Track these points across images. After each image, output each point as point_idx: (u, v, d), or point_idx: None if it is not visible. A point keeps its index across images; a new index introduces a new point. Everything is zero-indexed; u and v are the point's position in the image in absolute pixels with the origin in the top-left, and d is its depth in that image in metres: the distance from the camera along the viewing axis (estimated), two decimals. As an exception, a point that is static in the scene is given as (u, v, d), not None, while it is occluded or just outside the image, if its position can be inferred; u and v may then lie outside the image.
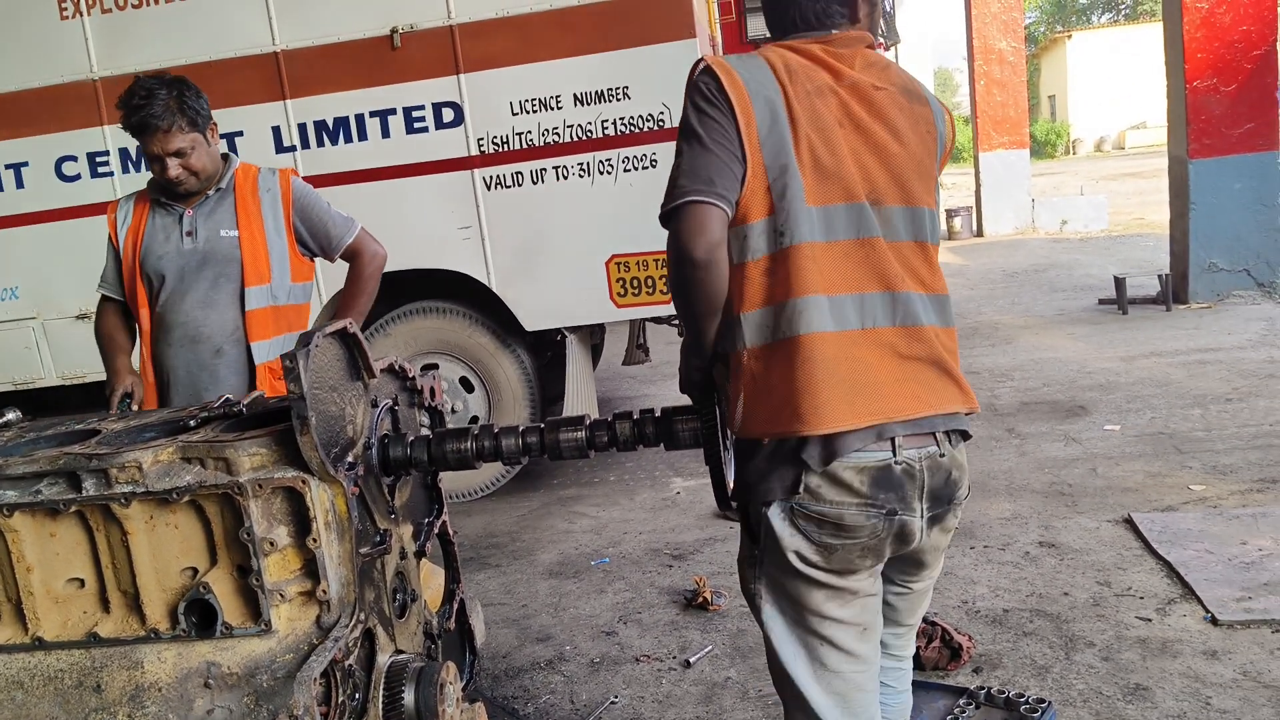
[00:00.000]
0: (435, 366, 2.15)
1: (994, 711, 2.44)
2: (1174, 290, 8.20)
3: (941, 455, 1.61)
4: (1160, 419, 5.19)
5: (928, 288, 1.64)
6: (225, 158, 2.85)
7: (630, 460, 5.58)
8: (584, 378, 5.03)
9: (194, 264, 2.75)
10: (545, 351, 5.32)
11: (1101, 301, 8.71)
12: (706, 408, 1.78)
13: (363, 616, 1.63)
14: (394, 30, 4.68)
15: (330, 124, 4.81)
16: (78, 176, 5.01)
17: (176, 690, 1.58)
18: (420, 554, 1.99)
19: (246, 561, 1.58)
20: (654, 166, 4.60)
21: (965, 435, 1.68)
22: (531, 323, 4.89)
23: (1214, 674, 2.77)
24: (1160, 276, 8.25)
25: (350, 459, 1.68)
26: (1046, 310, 8.82)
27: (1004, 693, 2.45)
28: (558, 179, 4.71)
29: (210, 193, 2.79)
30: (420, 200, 4.81)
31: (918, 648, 2.77)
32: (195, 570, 1.63)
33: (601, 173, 4.66)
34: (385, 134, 4.79)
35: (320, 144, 4.84)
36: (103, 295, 2.93)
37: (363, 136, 4.80)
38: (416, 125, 4.77)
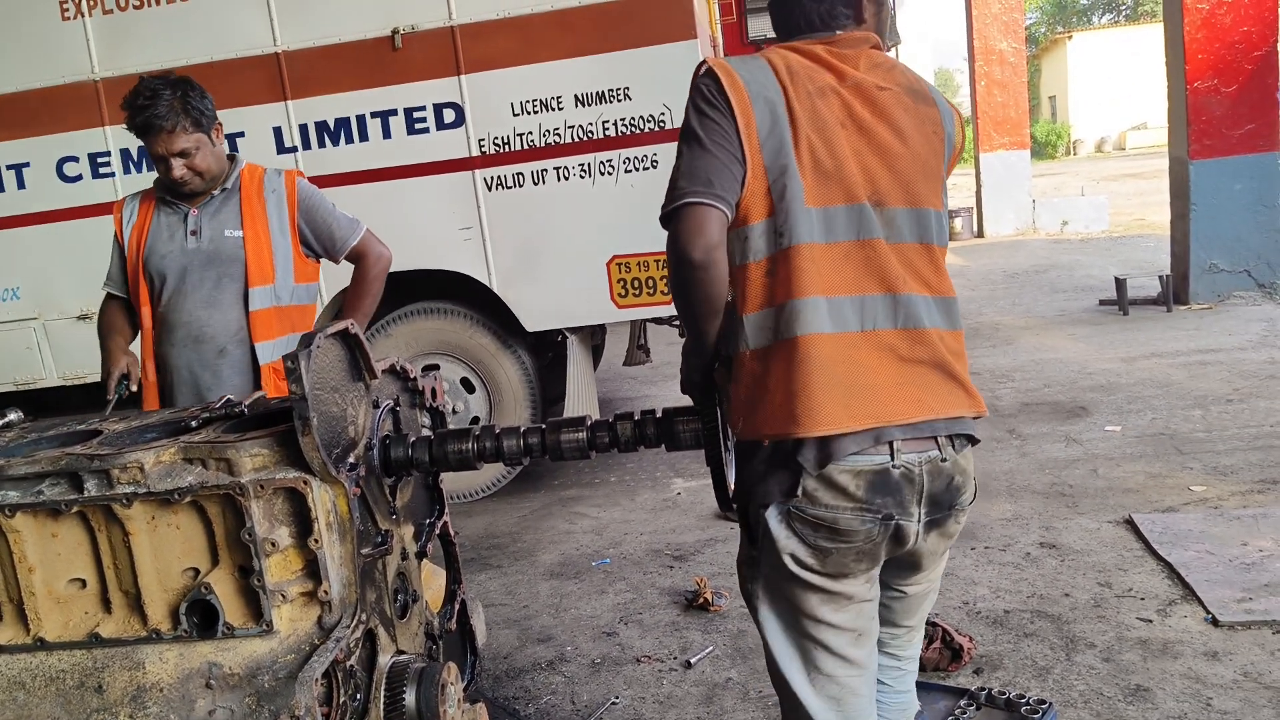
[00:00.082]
0: (436, 367, 2.15)
1: (995, 712, 2.44)
2: (1175, 291, 8.20)
3: (943, 460, 1.60)
4: (1161, 420, 5.19)
5: (933, 290, 1.63)
6: (232, 158, 2.86)
7: (631, 461, 5.58)
8: (585, 378, 5.04)
9: (198, 263, 2.75)
10: (546, 352, 5.32)
11: (1102, 302, 8.71)
12: (708, 409, 1.77)
13: (364, 617, 1.63)
14: (395, 31, 4.68)
15: (331, 125, 4.82)
16: (79, 177, 5.01)
17: (178, 691, 1.58)
18: (421, 555, 2.00)
19: (248, 562, 1.58)
20: (655, 167, 4.60)
21: (972, 440, 1.66)
22: (532, 323, 4.90)
23: (1215, 675, 2.77)
24: (1161, 277, 8.25)
25: (352, 460, 1.68)
26: (1047, 311, 8.82)
27: (1005, 694, 2.46)
28: (559, 180, 4.71)
29: (216, 192, 2.79)
30: (421, 201, 4.81)
31: (918, 649, 2.77)
32: (197, 571, 1.64)
33: (602, 173, 4.66)
34: (386, 135, 4.79)
35: (321, 145, 4.84)
36: (107, 293, 2.93)
37: (364, 137, 4.81)
38: (417, 126, 4.77)
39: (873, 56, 1.67)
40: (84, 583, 1.68)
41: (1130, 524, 3.86)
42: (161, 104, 2.60)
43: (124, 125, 2.70)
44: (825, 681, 1.66)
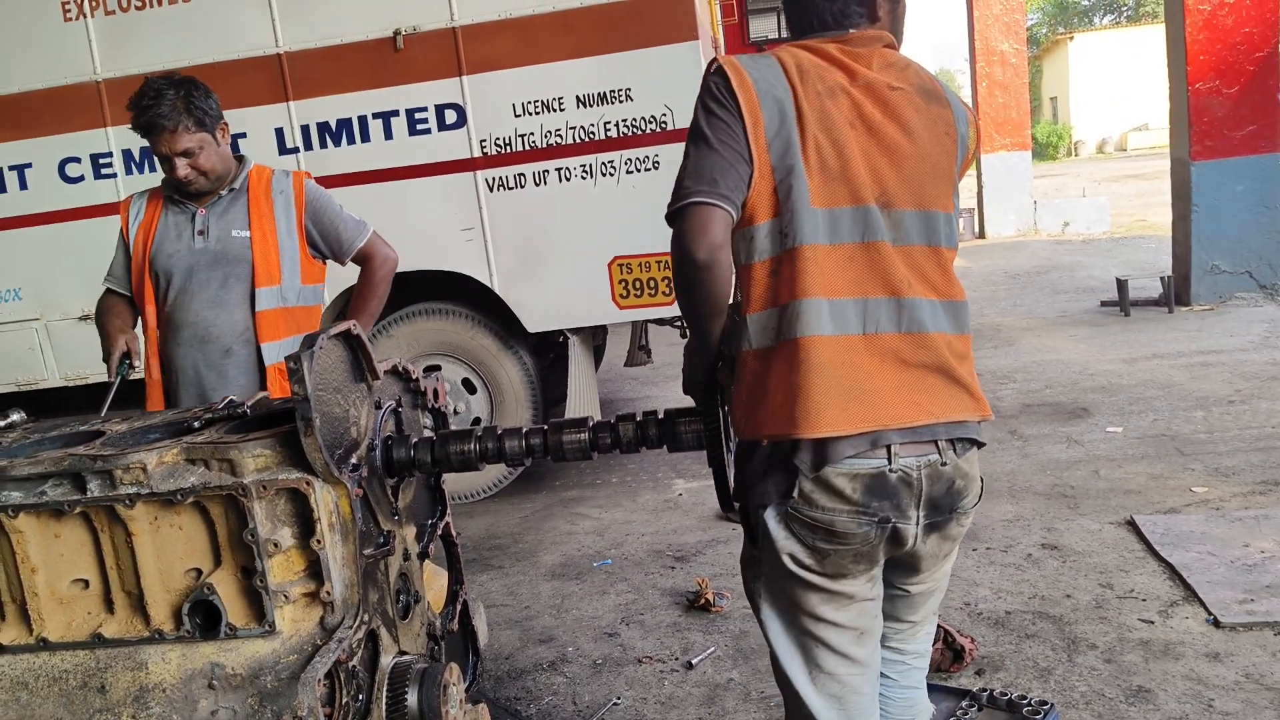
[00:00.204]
0: (438, 368, 2.15)
1: (996, 713, 2.44)
2: (1176, 292, 8.19)
3: (943, 464, 1.59)
4: (1162, 421, 5.19)
5: (940, 293, 1.62)
6: (240, 159, 2.86)
7: (633, 462, 5.59)
8: (586, 379, 5.04)
9: (204, 263, 2.76)
10: (547, 353, 5.32)
11: (1104, 303, 8.71)
12: (710, 409, 1.78)
13: (366, 618, 1.64)
14: (397, 32, 4.68)
15: (333, 126, 4.82)
16: (81, 178, 5.02)
17: (181, 691, 1.58)
18: (423, 555, 2.00)
19: (251, 563, 1.59)
20: (656, 168, 4.60)
21: (977, 444, 1.66)
22: (534, 324, 4.90)
23: (1216, 676, 2.77)
24: (1162, 278, 8.25)
25: (354, 460, 1.68)
26: (1049, 312, 8.82)
27: (1006, 694, 2.46)
28: (560, 181, 4.72)
29: (223, 193, 2.80)
30: (423, 202, 4.82)
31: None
32: (199, 571, 1.64)
33: (604, 174, 4.67)
34: (388, 136, 4.79)
35: (323, 145, 4.84)
36: (107, 289, 2.93)
37: (365, 138, 4.81)
38: (419, 127, 4.77)
39: (886, 56, 1.66)
40: (87, 583, 1.69)
41: (1132, 525, 3.86)
42: (165, 104, 2.61)
43: (128, 126, 2.70)
44: (827, 680, 1.66)
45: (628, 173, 4.64)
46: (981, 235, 15.45)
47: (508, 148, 4.73)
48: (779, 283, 1.57)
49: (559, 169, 4.71)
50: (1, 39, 4.96)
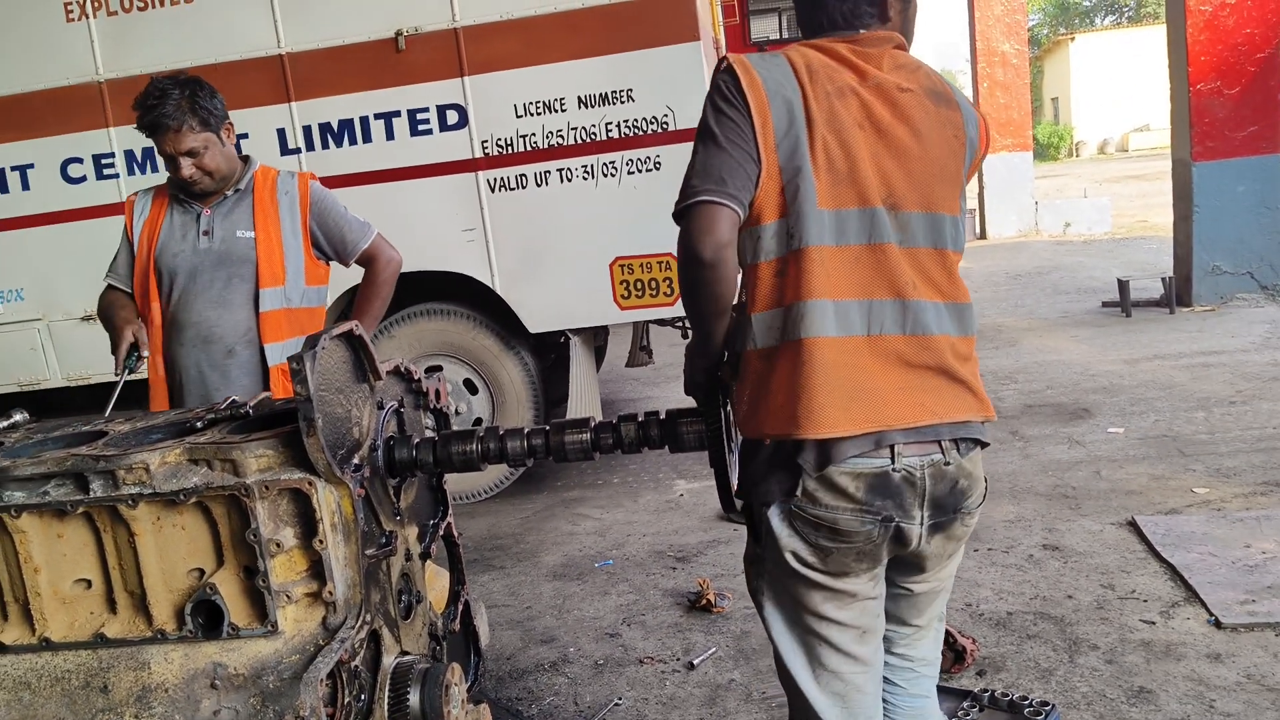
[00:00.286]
0: (439, 368, 2.16)
1: (998, 714, 2.44)
2: (1177, 293, 8.19)
3: (947, 463, 1.60)
4: (1164, 422, 5.19)
5: (945, 295, 1.62)
6: (246, 159, 2.86)
7: (634, 463, 5.59)
8: (588, 380, 5.04)
9: (209, 263, 2.76)
10: (549, 353, 5.32)
11: (1105, 304, 8.71)
12: (711, 410, 1.78)
13: (368, 618, 1.64)
14: (399, 33, 4.69)
15: (335, 126, 4.83)
16: (83, 178, 5.02)
17: (183, 691, 1.58)
18: (425, 555, 2.00)
19: (253, 562, 1.59)
20: (658, 169, 4.60)
21: (981, 443, 1.66)
22: (535, 325, 4.90)
23: (1218, 677, 2.77)
24: (1164, 279, 8.24)
25: (356, 461, 1.68)
26: (1050, 313, 8.82)
27: (1008, 695, 2.46)
28: (562, 181, 4.72)
29: (229, 193, 2.80)
30: (424, 202, 4.82)
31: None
32: (202, 571, 1.64)
33: (605, 175, 4.67)
34: (390, 136, 4.80)
35: (325, 146, 4.85)
36: (109, 285, 2.93)
37: (367, 139, 4.81)
38: (421, 128, 4.78)
39: (896, 57, 1.65)
40: (89, 583, 1.69)
41: (1133, 526, 3.86)
42: (169, 103, 2.61)
43: (131, 126, 2.71)
44: (830, 678, 1.67)
45: (629, 173, 4.64)
46: (983, 236, 15.46)
47: (509, 148, 4.73)
48: (785, 283, 1.57)
49: (560, 170, 4.71)
50: (4, 40, 4.97)
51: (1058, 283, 10.40)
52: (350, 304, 3.76)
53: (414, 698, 1.67)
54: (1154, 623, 3.11)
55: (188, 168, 2.68)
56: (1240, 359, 6.36)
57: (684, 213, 1.55)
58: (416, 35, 4.69)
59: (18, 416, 2.08)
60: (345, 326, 1.72)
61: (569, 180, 4.71)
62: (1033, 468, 4.71)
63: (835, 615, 1.64)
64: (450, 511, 2.15)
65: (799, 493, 1.57)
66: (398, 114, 4.77)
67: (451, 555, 2.20)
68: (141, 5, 4.84)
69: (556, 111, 4.66)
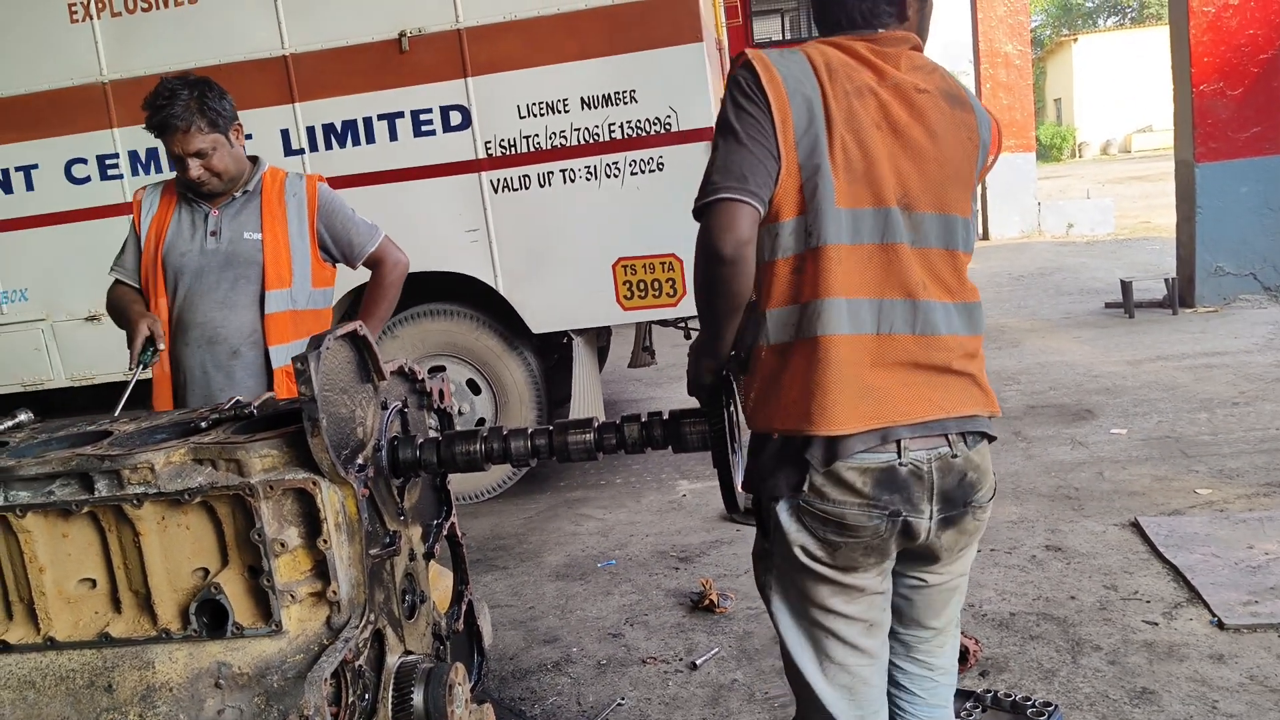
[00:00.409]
0: (442, 369, 2.16)
1: (1001, 714, 2.45)
2: (1180, 294, 8.18)
3: (954, 456, 1.61)
4: (1167, 423, 5.18)
5: (954, 295, 1.63)
6: (254, 160, 2.87)
7: (637, 463, 5.59)
8: (590, 380, 5.04)
9: (215, 264, 2.76)
10: (552, 354, 5.32)
11: (1108, 305, 8.70)
12: (715, 410, 1.78)
13: (372, 617, 1.64)
14: (402, 34, 4.69)
15: (338, 127, 4.83)
16: (87, 179, 5.03)
17: (187, 690, 1.59)
18: (429, 555, 2.00)
19: (257, 562, 1.59)
20: (661, 170, 4.60)
21: (988, 437, 1.67)
22: (538, 325, 4.90)
23: (1220, 678, 2.77)
24: (1166, 280, 8.23)
25: (360, 461, 1.69)
26: (1053, 314, 8.81)
27: (1010, 696, 2.46)
28: (565, 182, 4.72)
29: (237, 194, 2.80)
30: (428, 203, 4.83)
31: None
32: (206, 571, 1.64)
33: (608, 176, 4.67)
34: (393, 137, 4.80)
35: (329, 147, 4.85)
36: (115, 280, 2.92)
37: (370, 139, 4.82)
38: (424, 128, 4.78)
39: (913, 58, 1.66)
40: (94, 583, 1.69)
41: (1136, 527, 3.85)
42: (178, 104, 2.62)
43: (135, 127, 2.71)
44: (837, 671, 1.68)
45: (632, 174, 4.64)
46: (985, 236, 15.43)
47: (512, 149, 4.73)
48: (801, 280, 1.57)
49: (563, 170, 4.72)
50: (8, 41, 4.98)
51: (1060, 284, 10.39)
52: (356, 304, 3.77)
53: (418, 697, 1.68)
54: (1157, 624, 3.11)
55: (196, 169, 2.68)
56: (1243, 360, 6.36)
57: (705, 209, 1.55)
58: (420, 36, 4.70)
59: (23, 416, 2.09)
60: (349, 327, 1.72)
61: (572, 181, 4.71)
62: (1036, 468, 4.71)
63: (843, 609, 1.65)
64: (454, 511, 2.16)
65: (806, 488, 1.58)
66: (401, 115, 4.78)
67: (455, 555, 2.20)
68: (145, 6, 4.84)
69: (559, 112, 4.67)
